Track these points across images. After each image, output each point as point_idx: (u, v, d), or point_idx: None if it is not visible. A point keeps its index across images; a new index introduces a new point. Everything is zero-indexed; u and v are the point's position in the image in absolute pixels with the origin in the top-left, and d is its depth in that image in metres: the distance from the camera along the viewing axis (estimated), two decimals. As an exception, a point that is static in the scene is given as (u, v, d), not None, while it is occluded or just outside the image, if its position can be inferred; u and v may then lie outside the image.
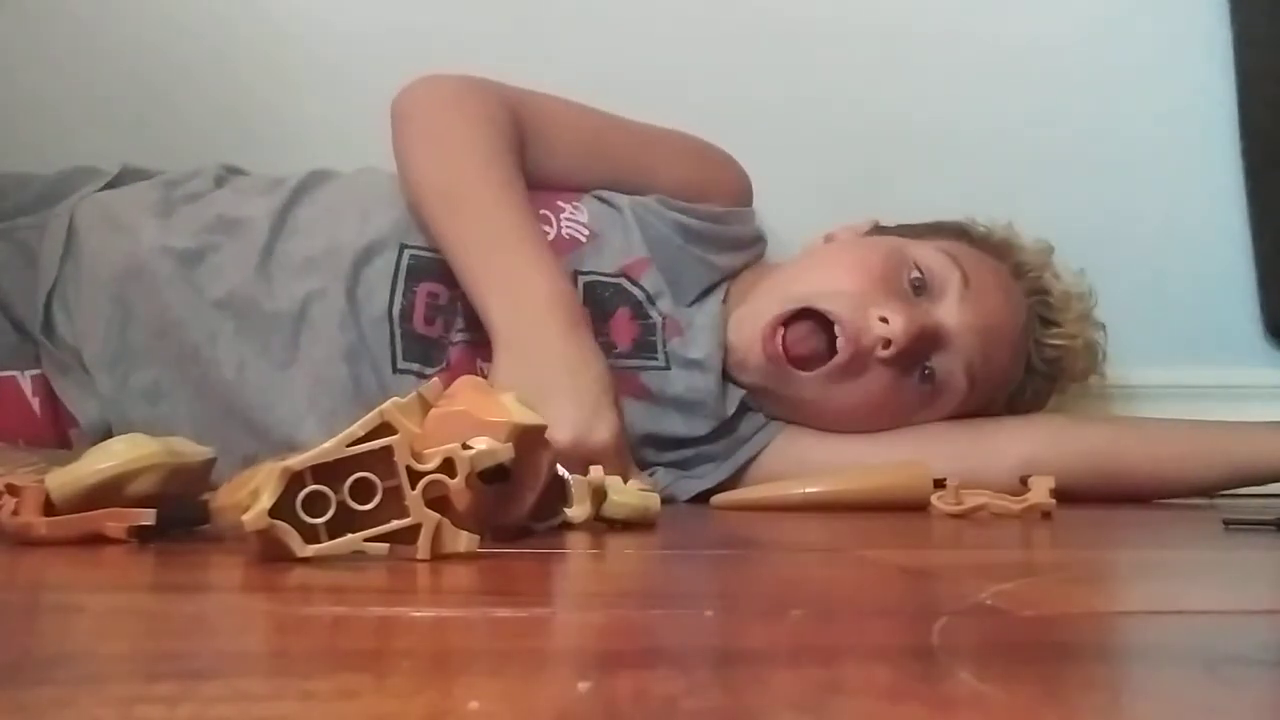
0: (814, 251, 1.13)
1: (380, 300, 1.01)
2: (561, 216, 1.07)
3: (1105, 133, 1.43)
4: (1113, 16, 1.43)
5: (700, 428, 1.06)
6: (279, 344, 1.00)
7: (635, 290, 1.07)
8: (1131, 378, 1.35)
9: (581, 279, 1.05)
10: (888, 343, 0.99)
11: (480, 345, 0.97)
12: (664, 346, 1.06)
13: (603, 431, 0.85)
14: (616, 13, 1.36)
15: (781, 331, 1.02)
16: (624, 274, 1.07)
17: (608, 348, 1.01)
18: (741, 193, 1.19)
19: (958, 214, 1.15)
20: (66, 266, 1.02)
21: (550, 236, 1.03)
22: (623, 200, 1.10)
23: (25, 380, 1.02)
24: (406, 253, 1.02)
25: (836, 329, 1.00)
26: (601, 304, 1.05)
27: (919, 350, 1.01)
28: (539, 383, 0.83)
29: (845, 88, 1.39)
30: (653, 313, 1.07)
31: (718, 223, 1.13)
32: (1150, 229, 1.42)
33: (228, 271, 1.01)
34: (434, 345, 1.02)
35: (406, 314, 1.01)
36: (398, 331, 1.01)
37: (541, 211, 1.05)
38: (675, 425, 1.06)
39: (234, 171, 1.14)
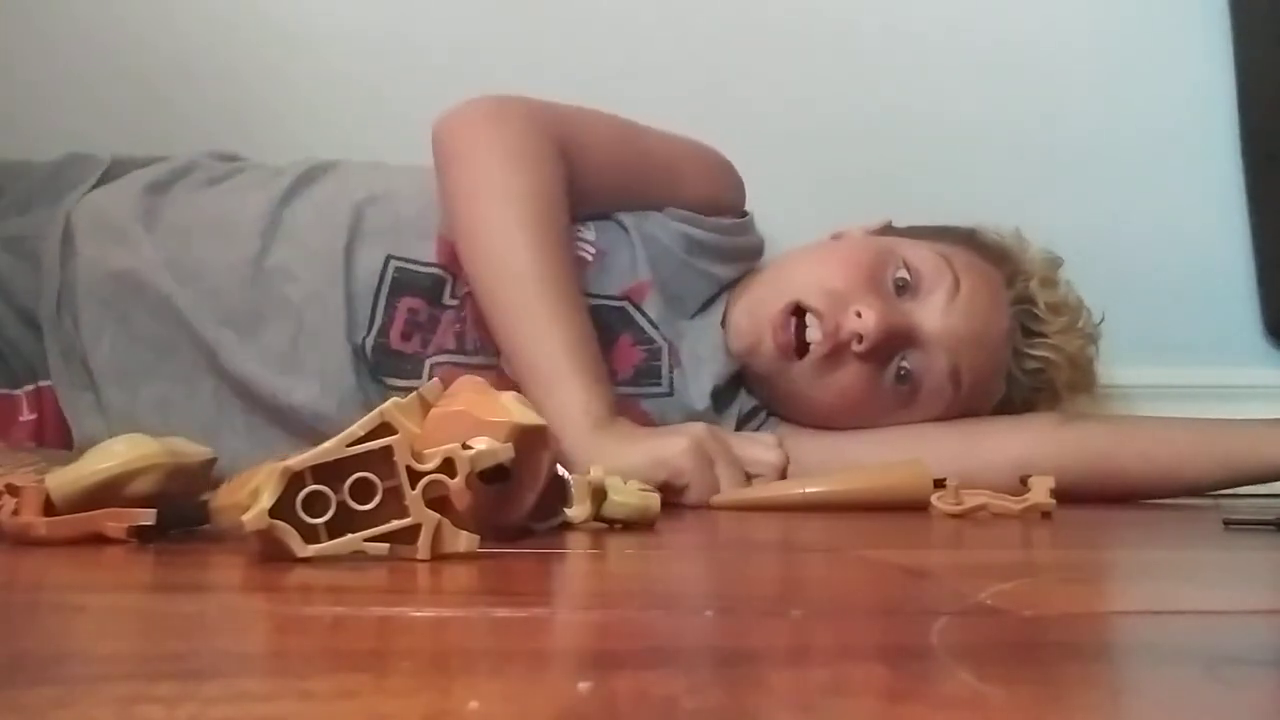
0: (814, 246, 1.14)
1: (362, 315, 1.02)
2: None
3: (1105, 132, 1.43)
4: (1113, 16, 1.43)
5: None
6: (281, 351, 1.01)
7: (638, 315, 1.07)
8: (1131, 378, 1.36)
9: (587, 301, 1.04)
10: (860, 338, 1.01)
11: (460, 368, 0.99)
12: (670, 372, 1.07)
13: (674, 444, 0.90)
14: (616, 12, 1.37)
15: (793, 322, 1.04)
16: (627, 297, 1.07)
17: (609, 374, 1.01)
18: (740, 198, 1.19)
19: (957, 214, 1.15)
20: (66, 273, 1.02)
21: None
22: (629, 218, 1.10)
23: (20, 396, 1.01)
24: (392, 264, 1.03)
25: (816, 322, 1.03)
26: (605, 329, 1.04)
27: (890, 347, 1.03)
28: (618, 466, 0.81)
29: (845, 87, 1.40)
30: (656, 337, 1.07)
31: (725, 234, 1.13)
32: (1150, 229, 1.42)
33: (224, 284, 1.01)
34: (408, 360, 1.02)
35: (384, 329, 1.02)
36: (371, 345, 1.01)
37: None
38: None
39: (229, 159, 1.14)
